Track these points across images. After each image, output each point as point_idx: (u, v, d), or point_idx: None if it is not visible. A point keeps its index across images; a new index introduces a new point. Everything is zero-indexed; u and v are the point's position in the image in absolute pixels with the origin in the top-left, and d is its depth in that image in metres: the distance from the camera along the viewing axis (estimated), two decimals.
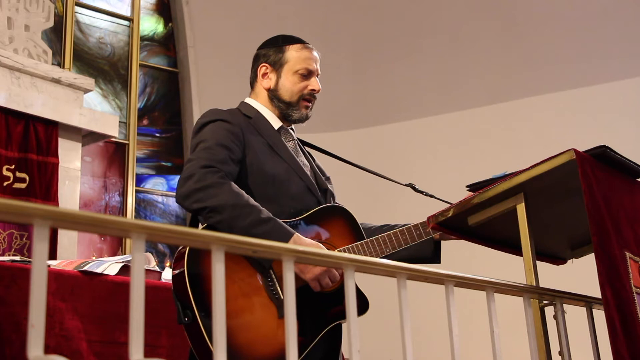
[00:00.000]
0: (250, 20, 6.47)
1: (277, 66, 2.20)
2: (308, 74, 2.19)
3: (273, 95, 2.21)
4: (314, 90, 2.20)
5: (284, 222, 1.95)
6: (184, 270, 1.84)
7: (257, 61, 2.25)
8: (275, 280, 1.92)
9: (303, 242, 1.90)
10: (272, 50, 2.22)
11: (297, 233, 1.91)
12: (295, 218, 2.04)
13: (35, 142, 4.56)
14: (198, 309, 1.80)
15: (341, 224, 2.11)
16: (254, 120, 2.17)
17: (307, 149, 2.35)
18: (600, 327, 1.65)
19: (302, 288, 1.93)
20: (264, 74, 2.22)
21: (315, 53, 2.23)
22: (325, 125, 6.03)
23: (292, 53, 2.20)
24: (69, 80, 4.87)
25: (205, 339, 1.78)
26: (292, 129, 2.27)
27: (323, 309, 1.99)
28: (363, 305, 2.03)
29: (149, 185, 6.48)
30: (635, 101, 5.66)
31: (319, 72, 2.24)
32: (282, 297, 1.89)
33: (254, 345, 1.83)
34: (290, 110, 2.20)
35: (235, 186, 1.94)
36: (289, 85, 2.19)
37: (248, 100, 2.26)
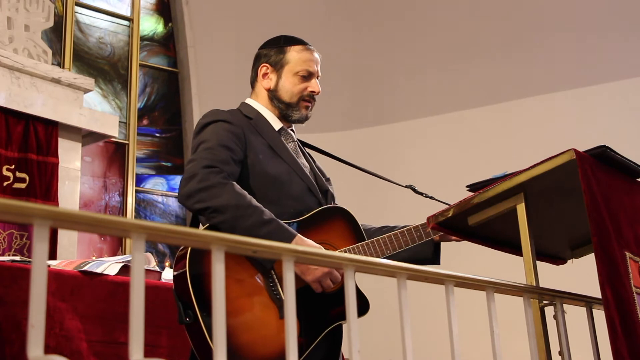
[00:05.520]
0: (250, 20, 6.47)
1: (278, 67, 2.20)
2: (308, 76, 2.19)
3: (273, 95, 2.21)
4: (313, 92, 2.20)
5: (285, 222, 1.95)
6: (185, 270, 1.84)
7: (258, 61, 2.25)
8: (276, 280, 1.92)
9: (305, 244, 1.90)
10: (274, 50, 2.22)
11: (299, 235, 1.91)
12: (296, 219, 2.04)
13: (35, 142, 4.56)
14: (200, 309, 1.80)
15: (342, 225, 2.11)
16: (255, 121, 2.17)
17: (308, 150, 2.35)
18: (600, 327, 1.65)
19: (303, 289, 1.93)
20: (265, 74, 2.22)
21: (316, 55, 2.23)
22: (325, 125, 6.03)
23: (293, 54, 2.20)
24: (69, 80, 4.87)
25: (206, 338, 1.79)
26: (292, 130, 2.27)
27: (324, 310, 1.99)
28: (363, 306, 2.03)
29: (149, 185, 6.48)
30: (635, 101, 5.66)
31: (320, 74, 2.24)
32: (283, 298, 1.89)
33: (255, 345, 1.83)
34: (290, 110, 2.20)
35: (237, 187, 1.94)
36: (288, 86, 2.19)
37: (249, 100, 2.26)
